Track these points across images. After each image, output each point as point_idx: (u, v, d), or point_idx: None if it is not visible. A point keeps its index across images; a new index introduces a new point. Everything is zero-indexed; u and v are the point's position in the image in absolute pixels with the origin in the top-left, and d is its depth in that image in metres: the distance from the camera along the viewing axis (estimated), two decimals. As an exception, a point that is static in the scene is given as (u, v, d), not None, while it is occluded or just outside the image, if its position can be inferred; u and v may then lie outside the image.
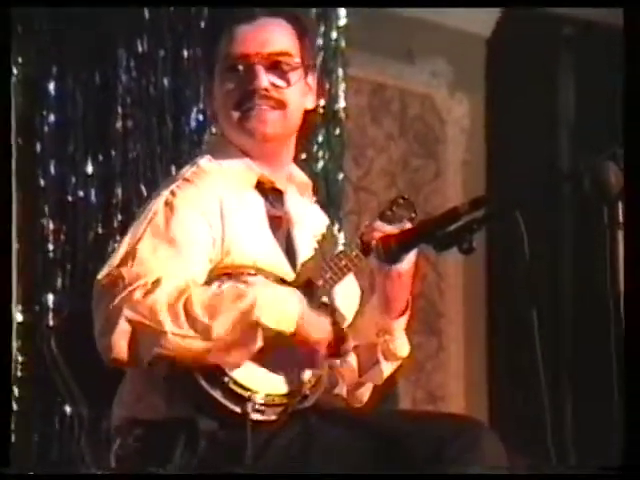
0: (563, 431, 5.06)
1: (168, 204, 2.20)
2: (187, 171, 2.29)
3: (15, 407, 3.40)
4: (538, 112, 5.34)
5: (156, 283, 2.11)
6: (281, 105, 2.28)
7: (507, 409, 5.02)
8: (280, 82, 2.28)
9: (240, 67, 2.27)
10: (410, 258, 2.27)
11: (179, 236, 2.18)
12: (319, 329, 2.19)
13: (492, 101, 5.27)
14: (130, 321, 2.09)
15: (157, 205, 2.21)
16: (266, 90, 2.26)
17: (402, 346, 2.37)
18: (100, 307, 2.13)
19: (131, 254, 2.16)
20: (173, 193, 2.22)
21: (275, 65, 2.27)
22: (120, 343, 2.10)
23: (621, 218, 1.98)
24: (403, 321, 2.35)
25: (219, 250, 2.21)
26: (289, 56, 2.28)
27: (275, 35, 2.29)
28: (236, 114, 2.28)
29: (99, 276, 2.16)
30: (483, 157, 5.28)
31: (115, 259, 2.17)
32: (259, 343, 2.12)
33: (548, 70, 5.37)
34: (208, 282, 2.18)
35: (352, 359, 2.36)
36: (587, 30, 5.30)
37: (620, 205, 1.98)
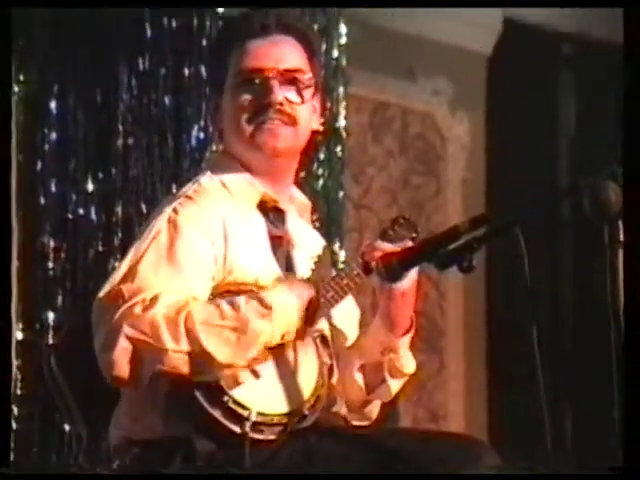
0: (563, 450, 5.05)
1: (171, 222, 2.20)
2: (189, 189, 2.28)
3: (15, 426, 3.39)
4: (538, 130, 5.35)
5: (154, 299, 2.11)
6: (293, 121, 2.28)
7: (507, 427, 5.01)
8: (295, 98, 2.28)
9: (256, 81, 2.27)
10: (412, 276, 2.27)
11: (181, 254, 2.17)
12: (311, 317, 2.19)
13: (492, 119, 5.28)
14: (130, 338, 2.09)
15: (159, 223, 2.21)
16: (281, 105, 2.26)
17: (408, 363, 2.37)
18: (100, 324, 2.13)
19: (132, 272, 2.16)
20: (176, 211, 2.22)
21: (290, 81, 2.28)
22: (121, 361, 2.09)
23: (621, 236, 1.98)
24: (408, 339, 2.35)
25: (221, 268, 2.21)
26: (303, 73, 2.30)
27: (289, 52, 2.30)
28: (249, 128, 2.27)
29: (100, 294, 2.16)
30: (483, 175, 5.29)
31: (116, 277, 2.17)
32: (254, 354, 2.12)
33: (548, 88, 5.38)
34: (211, 299, 2.18)
35: (359, 378, 2.36)
36: (586, 48, 5.32)
37: (620, 223, 1.98)
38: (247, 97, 2.27)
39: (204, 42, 3.64)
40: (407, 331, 2.34)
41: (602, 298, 1.98)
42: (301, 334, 2.19)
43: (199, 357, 2.09)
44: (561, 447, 5.00)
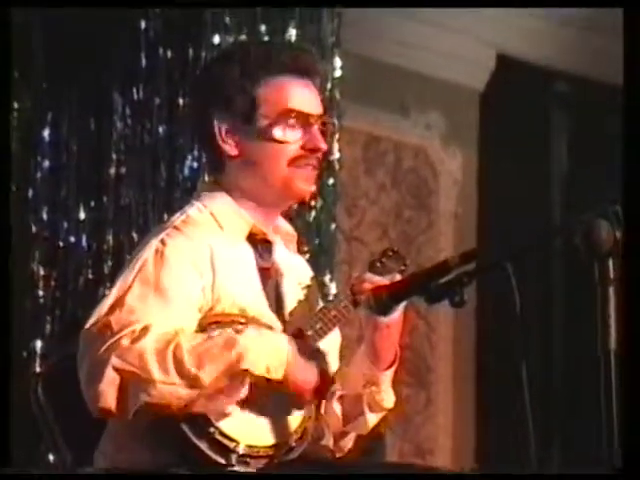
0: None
1: (158, 253, 2.19)
2: (176, 219, 2.27)
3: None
4: (530, 166, 5.37)
5: (144, 330, 2.10)
6: (320, 166, 2.31)
7: (495, 464, 4.99)
8: (325, 145, 2.30)
9: (300, 124, 2.25)
10: (398, 309, 2.27)
11: (168, 286, 2.17)
12: (306, 375, 2.18)
13: (485, 154, 5.30)
14: (117, 370, 2.07)
15: (146, 254, 2.19)
16: (324, 153, 2.28)
17: (388, 398, 2.36)
18: (86, 355, 2.12)
19: (120, 303, 2.14)
20: (163, 242, 2.21)
21: (323, 128, 2.29)
22: (108, 392, 2.08)
23: (612, 274, 1.98)
24: (391, 373, 2.35)
25: (209, 299, 2.21)
26: (329, 120, 2.32)
27: (318, 97, 2.30)
28: (286, 170, 2.25)
29: (86, 325, 2.15)
30: (475, 210, 5.30)
31: (103, 308, 2.15)
32: (245, 392, 2.11)
33: (541, 125, 5.41)
34: (198, 331, 2.17)
35: (337, 408, 2.35)
36: (580, 87, 5.35)
37: (611, 262, 1.98)
38: (292, 139, 2.25)
39: (198, 72, 3.66)
40: (391, 365, 2.33)
41: (593, 335, 1.98)
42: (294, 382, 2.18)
43: (187, 387, 2.08)
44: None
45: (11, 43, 2.82)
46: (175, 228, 2.25)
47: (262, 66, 2.25)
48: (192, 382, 2.07)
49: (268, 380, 2.13)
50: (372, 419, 2.36)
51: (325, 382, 2.23)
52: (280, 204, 2.33)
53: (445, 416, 5.15)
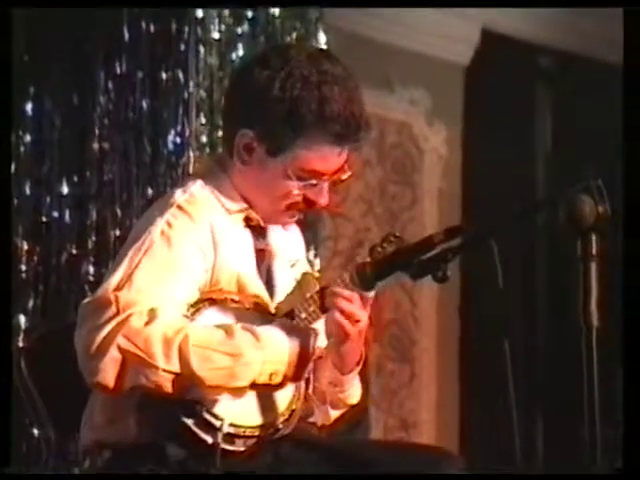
0: (534, 459, 5.06)
1: (164, 235, 2.20)
2: (180, 197, 2.27)
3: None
4: (515, 142, 5.37)
5: (152, 313, 2.11)
6: None
7: (478, 437, 5.02)
8: (326, 201, 2.31)
9: (313, 181, 2.26)
10: (368, 297, 2.25)
11: (175, 268, 2.18)
12: (304, 373, 2.19)
13: (469, 130, 5.30)
14: (122, 349, 2.08)
15: (153, 236, 2.20)
16: (322, 206, 2.30)
17: (353, 394, 2.38)
18: (89, 328, 2.11)
19: (127, 281, 2.15)
20: (169, 224, 2.22)
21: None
22: (108, 369, 2.08)
23: (594, 250, 1.98)
24: (356, 372, 2.35)
25: (209, 278, 2.23)
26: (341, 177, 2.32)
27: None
28: (281, 205, 2.27)
29: (90, 298, 2.16)
30: (459, 186, 5.30)
31: (111, 283, 2.15)
32: (242, 384, 2.13)
33: (525, 100, 5.41)
34: (192, 306, 2.18)
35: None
36: (564, 60, 5.35)
37: (593, 237, 1.99)
38: (300, 189, 2.26)
39: (182, 47, 3.64)
40: (355, 366, 2.33)
41: (575, 310, 1.99)
42: (291, 379, 2.18)
43: (187, 379, 2.09)
44: (531, 458, 5.01)
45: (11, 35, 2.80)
46: (180, 208, 2.25)
47: (312, 126, 2.21)
48: (193, 379, 2.09)
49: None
50: (334, 413, 2.38)
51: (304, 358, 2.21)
52: (263, 217, 2.33)
53: (429, 390, 5.17)
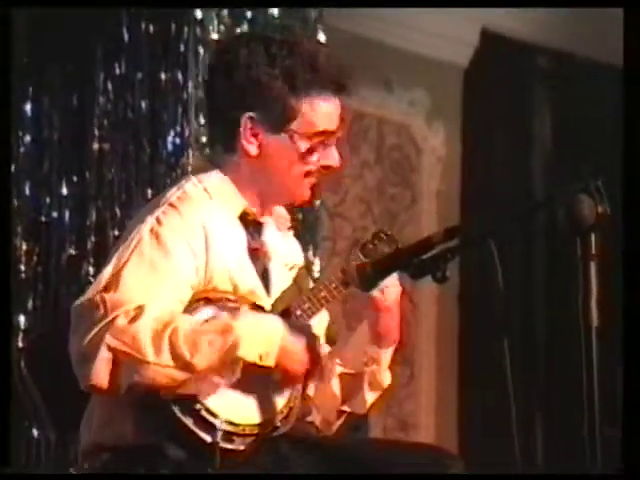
0: (533, 461, 5.06)
1: (153, 232, 2.19)
2: (172, 195, 2.27)
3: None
4: (514, 143, 5.37)
5: (139, 310, 2.10)
6: None
7: (477, 439, 5.02)
8: (340, 162, 2.32)
9: (321, 142, 2.27)
10: (396, 289, 2.29)
11: (164, 265, 2.17)
12: (297, 359, 2.20)
13: (468, 131, 5.30)
14: (111, 349, 2.08)
15: (142, 233, 2.19)
16: (338, 168, 2.31)
17: (387, 377, 2.39)
18: (79, 331, 2.11)
19: (114, 281, 2.15)
20: (159, 221, 2.21)
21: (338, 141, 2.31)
22: (100, 370, 2.08)
23: (593, 250, 1.99)
24: (391, 351, 2.37)
25: (202, 277, 2.22)
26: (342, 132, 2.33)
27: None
28: (300, 180, 2.28)
29: (80, 300, 2.15)
30: (458, 186, 5.30)
31: (99, 284, 2.15)
32: (238, 376, 2.12)
33: (524, 101, 5.41)
34: (188, 306, 2.18)
35: (336, 387, 2.36)
36: (563, 62, 5.35)
37: (593, 237, 1.99)
38: (313, 157, 2.27)
39: (181, 47, 3.64)
40: (393, 343, 2.35)
41: (574, 310, 1.99)
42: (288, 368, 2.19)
43: (180, 370, 2.08)
44: (531, 459, 5.01)
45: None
46: (171, 205, 2.24)
47: (306, 81, 2.24)
48: (186, 367, 2.09)
49: (260, 366, 2.15)
50: (370, 398, 2.38)
51: (314, 364, 2.23)
52: (279, 202, 2.35)
53: (428, 391, 5.17)
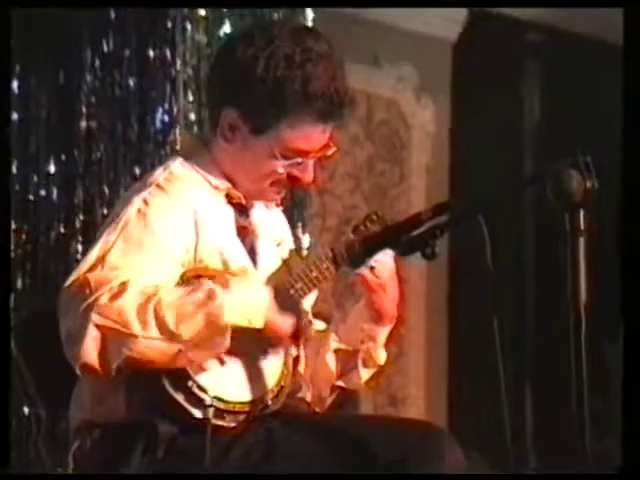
0: (523, 435, 5.09)
1: (141, 213, 2.19)
2: (159, 176, 2.26)
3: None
4: (503, 118, 5.37)
5: (123, 285, 2.10)
6: None
7: (467, 413, 5.04)
8: (311, 178, 2.31)
9: (299, 160, 2.25)
10: (389, 266, 2.29)
11: (150, 242, 2.17)
12: (285, 320, 2.20)
13: (457, 106, 5.29)
14: (98, 326, 2.08)
15: (129, 214, 2.19)
16: (308, 183, 2.30)
17: (382, 354, 2.40)
18: (67, 314, 2.11)
19: (101, 261, 2.14)
20: (146, 202, 2.20)
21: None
22: (90, 349, 2.08)
23: (582, 225, 1.99)
24: (388, 329, 2.38)
25: (192, 256, 2.22)
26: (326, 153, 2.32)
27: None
28: (265, 183, 2.27)
29: (67, 282, 2.14)
30: (447, 162, 5.30)
31: (84, 265, 2.15)
32: (227, 344, 2.12)
33: (513, 76, 5.40)
34: (180, 283, 2.18)
35: (331, 362, 2.38)
36: (552, 36, 5.34)
37: (581, 212, 1.99)
38: (285, 167, 2.25)
39: (169, 24, 3.62)
40: (391, 320, 2.36)
41: (563, 286, 1.99)
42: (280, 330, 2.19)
43: (168, 341, 2.08)
44: (520, 435, 5.03)
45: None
46: (158, 186, 2.24)
47: (296, 105, 2.20)
48: (173, 337, 2.08)
49: (247, 329, 2.15)
50: (365, 374, 2.39)
51: (300, 329, 2.24)
52: (252, 196, 2.33)
53: (417, 367, 5.19)
